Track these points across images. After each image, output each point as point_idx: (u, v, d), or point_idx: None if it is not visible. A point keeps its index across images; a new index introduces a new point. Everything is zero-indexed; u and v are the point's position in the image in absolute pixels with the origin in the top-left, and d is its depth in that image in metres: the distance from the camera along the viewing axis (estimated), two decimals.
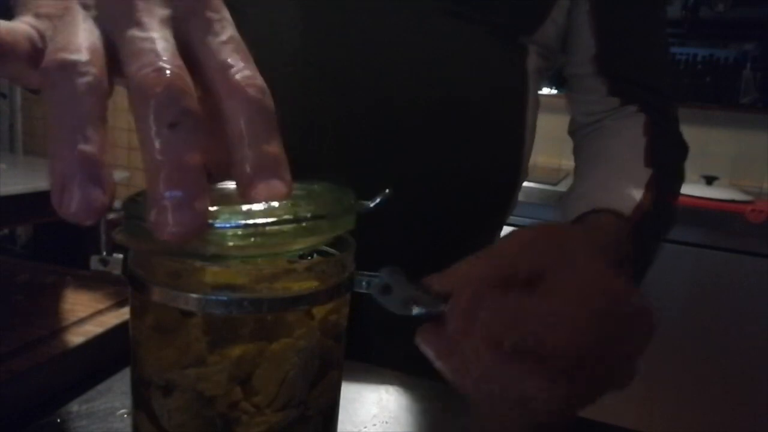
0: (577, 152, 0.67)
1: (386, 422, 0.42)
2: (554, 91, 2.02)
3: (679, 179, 0.61)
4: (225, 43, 0.26)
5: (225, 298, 0.24)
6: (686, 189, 1.75)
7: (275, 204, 0.24)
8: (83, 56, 0.22)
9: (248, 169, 0.25)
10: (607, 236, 0.47)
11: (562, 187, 1.78)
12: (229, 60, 0.25)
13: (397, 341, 0.56)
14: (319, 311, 0.27)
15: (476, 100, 0.57)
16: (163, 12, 0.24)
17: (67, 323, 0.44)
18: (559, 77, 0.68)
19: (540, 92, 0.64)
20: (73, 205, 0.21)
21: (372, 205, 0.29)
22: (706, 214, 1.64)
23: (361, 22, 0.54)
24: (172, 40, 0.24)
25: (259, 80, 0.26)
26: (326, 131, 0.55)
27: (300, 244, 0.26)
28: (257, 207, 0.24)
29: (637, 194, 0.52)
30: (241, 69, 0.25)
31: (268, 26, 0.56)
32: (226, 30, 0.26)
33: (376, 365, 0.50)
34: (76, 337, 0.43)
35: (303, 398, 0.27)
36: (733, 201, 1.66)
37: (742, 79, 2.06)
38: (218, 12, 0.26)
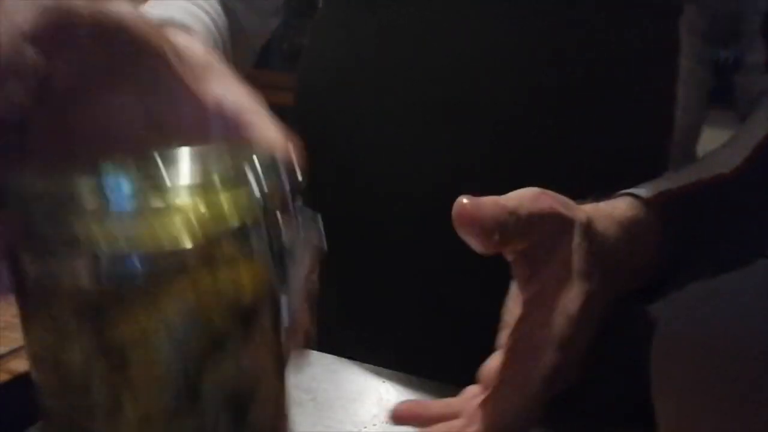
0: None
1: (386, 422, 0.42)
2: None
3: None
4: None
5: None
6: None
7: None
8: None
9: None
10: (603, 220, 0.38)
11: None
12: None
13: (392, 337, 0.56)
14: (199, 277, 0.22)
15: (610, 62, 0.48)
16: None
17: None
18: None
19: None
20: None
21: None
22: None
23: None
24: None
25: None
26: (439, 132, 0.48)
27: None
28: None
29: (694, 175, 0.43)
30: None
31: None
32: None
33: (375, 365, 0.50)
34: None
35: (187, 383, 0.23)
36: None
37: None
38: None
